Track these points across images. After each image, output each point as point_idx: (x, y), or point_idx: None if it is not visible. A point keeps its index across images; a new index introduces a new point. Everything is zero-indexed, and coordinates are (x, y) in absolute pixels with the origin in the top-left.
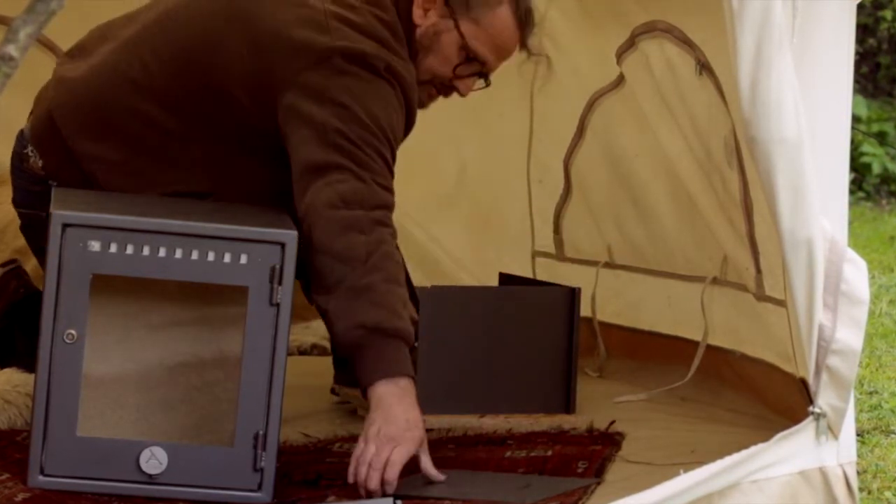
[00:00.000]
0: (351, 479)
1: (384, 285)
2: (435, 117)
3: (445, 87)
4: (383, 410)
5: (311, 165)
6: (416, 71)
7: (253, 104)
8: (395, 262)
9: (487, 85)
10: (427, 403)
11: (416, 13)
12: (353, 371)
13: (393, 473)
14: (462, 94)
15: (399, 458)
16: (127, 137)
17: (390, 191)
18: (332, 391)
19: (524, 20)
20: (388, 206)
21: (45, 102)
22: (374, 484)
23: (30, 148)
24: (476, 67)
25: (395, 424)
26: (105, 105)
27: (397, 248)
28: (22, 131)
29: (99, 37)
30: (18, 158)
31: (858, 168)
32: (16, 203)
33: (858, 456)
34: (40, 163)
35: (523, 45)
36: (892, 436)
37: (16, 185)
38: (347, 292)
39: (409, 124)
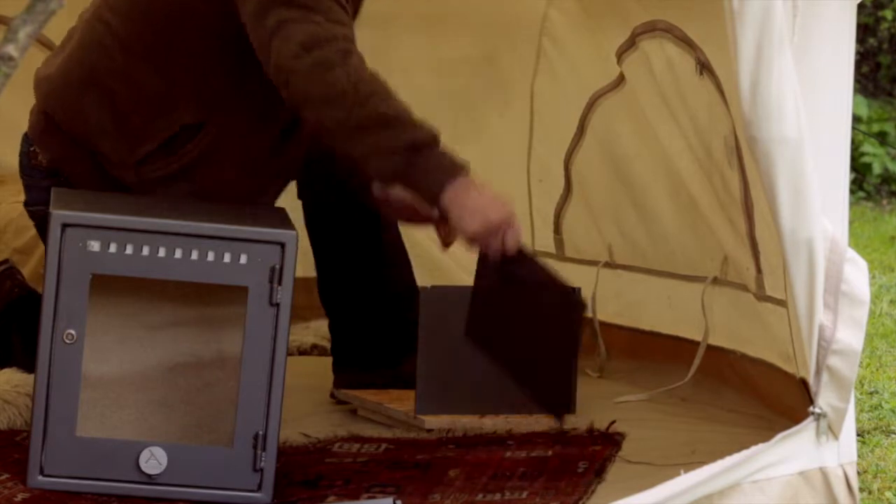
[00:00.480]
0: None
1: (385, 104)
2: (434, 117)
3: None
4: (460, 211)
5: (265, 33)
6: None
7: (216, 7)
8: (380, 80)
9: None
10: (427, 403)
11: None
12: (419, 187)
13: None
14: None
15: (515, 242)
16: (113, 103)
17: (345, 24)
18: (332, 396)
19: None
20: (348, 38)
21: (36, 103)
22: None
23: (35, 146)
24: None
25: (480, 214)
26: (84, 80)
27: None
28: (25, 133)
29: (68, 37)
30: (26, 157)
31: (859, 168)
32: (28, 204)
33: (859, 456)
34: (47, 157)
35: None
36: (893, 436)
37: (27, 185)
38: (358, 130)
39: None
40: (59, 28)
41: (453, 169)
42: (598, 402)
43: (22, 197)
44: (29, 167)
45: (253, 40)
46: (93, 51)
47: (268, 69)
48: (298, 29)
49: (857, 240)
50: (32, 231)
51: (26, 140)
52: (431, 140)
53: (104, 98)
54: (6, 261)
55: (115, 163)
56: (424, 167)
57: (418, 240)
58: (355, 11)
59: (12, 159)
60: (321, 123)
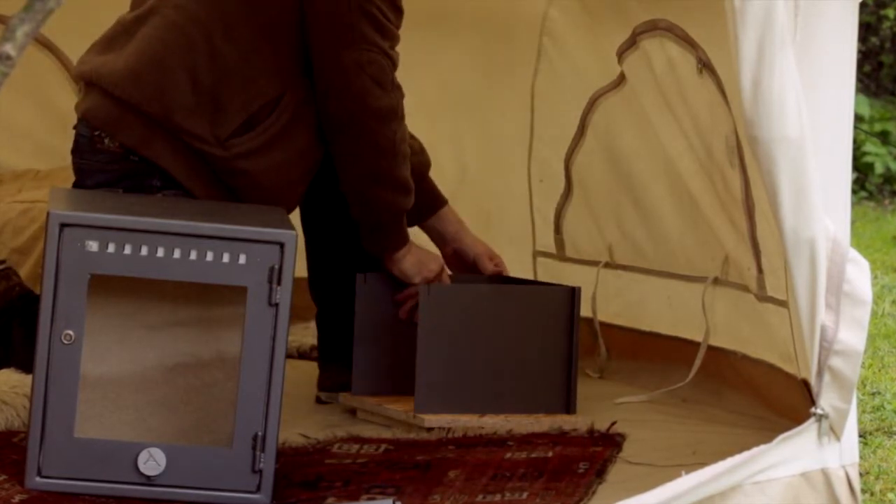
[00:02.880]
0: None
1: (405, 169)
2: (435, 117)
3: None
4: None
5: (350, 64)
6: None
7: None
8: (407, 141)
9: None
10: (427, 403)
11: None
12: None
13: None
14: None
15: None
16: (196, 80)
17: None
18: (318, 399)
19: None
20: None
21: (98, 93)
22: None
23: (98, 132)
24: None
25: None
26: (166, 60)
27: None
28: (81, 120)
29: (124, 28)
30: (89, 142)
31: (861, 168)
32: (91, 188)
33: (861, 457)
34: (122, 142)
35: None
36: (895, 437)
37: (89, 169)
38: (377, 181)
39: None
40: (58, 27)
41: (405, 238)
42: (599, 402)
43: (20, 196)
44: (93, 151)
45: (326, 62)
46: (171, 32)
47: (335, 91)
48: (380, 69)
49: (859, 240)
50: (30, 231)
51: (87, 126)
52: (408, 207)
53: (187, 76)
54: (2, 261)
55: (201, 139)
56: (395, 230)
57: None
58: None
59: (9, 158)
60: (352, 158)
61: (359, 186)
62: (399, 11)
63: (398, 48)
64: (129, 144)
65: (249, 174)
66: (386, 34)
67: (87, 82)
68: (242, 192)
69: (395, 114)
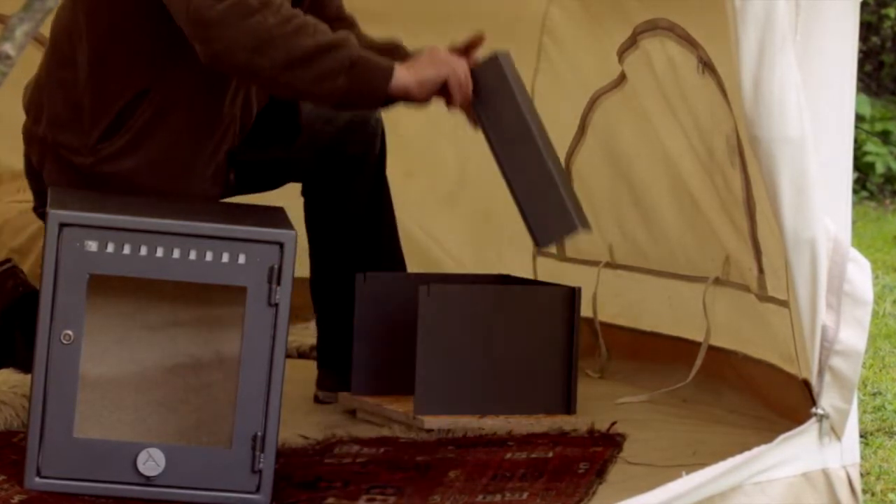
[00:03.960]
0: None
1: (315, 35)
2: (436, 116)
3: None
4: (412, 90)
5: None
6: None
7: None
8: (300, 14)
9: None
10: (426, 404)
11: None
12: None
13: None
14: None
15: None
16: (65, 94)
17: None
18: (317, 399)
19: None
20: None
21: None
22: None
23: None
24: None
25: (430, 79)
26: (42, 77)
27: None
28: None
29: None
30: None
31: (862, 167)
32: (37, 210)
33: (862, 458)
34: (32, 159)
35: None
36: None
37: (35, 190)
38: (297, 65)
39: None
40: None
41: (387, 65)
42: (599, 403)
43: (20, 196)
44: (28, 163)
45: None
46: (50, 46)
47: (184, 25)
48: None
49: (860, 240)
50: (29, 231)
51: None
52: (358, 50)
53: (57, 90)
54: (8, 259)
55: (75, 150)
56: (366, 76)
57: (419, 239)
58: None
59: (9, 158)
60: (253, 70)
61: (284, 88)
62: None
63: None
64: (34, 162)
65: (118, 177)
66: None
67: None
68: None
69: (248, 10)
